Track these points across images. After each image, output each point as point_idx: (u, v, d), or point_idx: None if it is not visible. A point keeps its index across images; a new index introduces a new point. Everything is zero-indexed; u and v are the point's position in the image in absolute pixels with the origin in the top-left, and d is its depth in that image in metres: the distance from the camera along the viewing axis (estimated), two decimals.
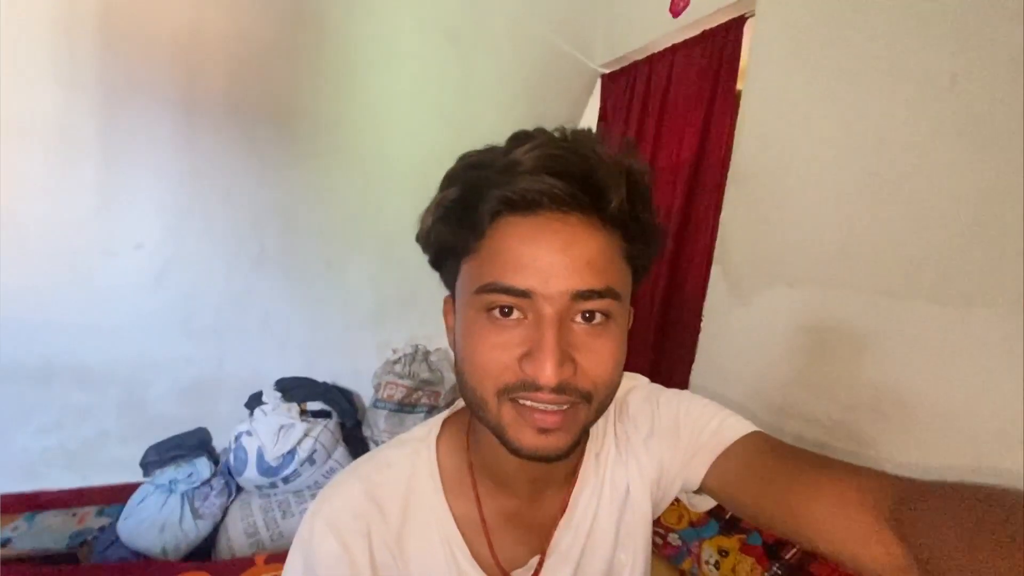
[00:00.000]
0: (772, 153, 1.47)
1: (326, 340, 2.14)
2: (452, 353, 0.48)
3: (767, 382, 1.45)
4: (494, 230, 0.42)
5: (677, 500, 1.50)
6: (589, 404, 0.43)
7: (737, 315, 1.56)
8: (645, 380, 0.61)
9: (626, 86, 2.15)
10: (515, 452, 0.42)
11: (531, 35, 2.20)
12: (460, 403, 0.57)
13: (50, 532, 1.69)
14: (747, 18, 1.57)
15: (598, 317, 0.42)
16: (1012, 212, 0.96)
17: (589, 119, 2.38)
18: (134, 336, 1.85)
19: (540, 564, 0.52)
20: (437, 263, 0.49)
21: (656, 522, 1.47)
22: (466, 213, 0.42)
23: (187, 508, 1.67)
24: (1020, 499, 0.31)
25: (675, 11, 1.85)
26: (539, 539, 0.53)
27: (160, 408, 1.92)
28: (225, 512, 1.76)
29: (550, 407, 0.41)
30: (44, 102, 1.63)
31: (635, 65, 2.10)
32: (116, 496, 1.80)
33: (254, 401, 1.93)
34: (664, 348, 1.87)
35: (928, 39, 1.11)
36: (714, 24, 1.69)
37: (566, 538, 0.53)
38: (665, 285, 1.85)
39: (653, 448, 0.55)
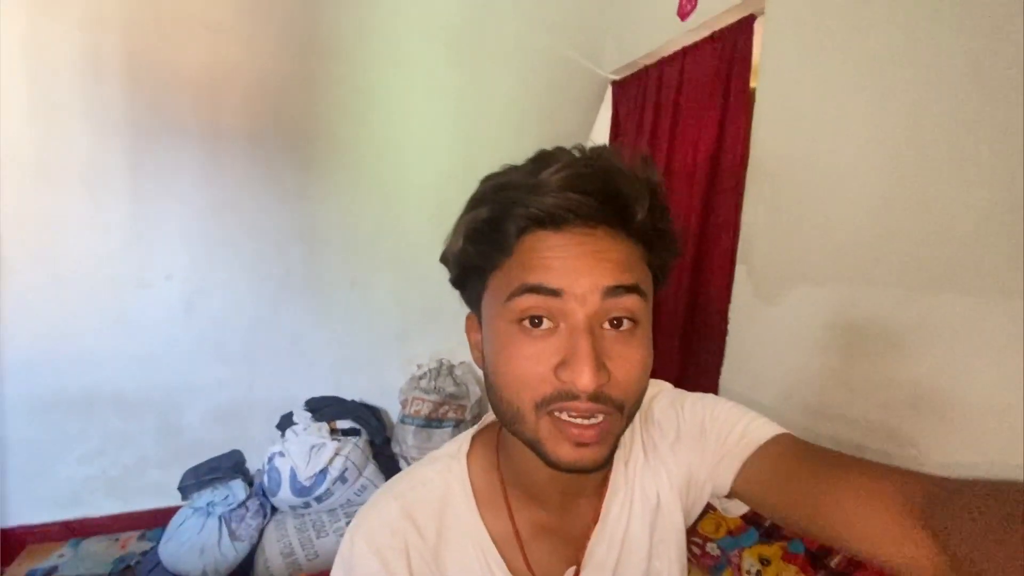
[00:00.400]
0: (791, 150, 1.45)
1: (352, 358, 2.17)
2: (477, 367, 0.49)
3: (799, 384, 1.41)
4: (521, 244, 0.43)
5: (713, 508, 1.47)
6: (621, 414, 0.43)
7: (765, 316, 1.53)
8: (669, 386, 0.61)
9: (638, 92, 2.15)
10: (553, 465, 0.43)
11: (540, 48, 2.22)
12: (488, 418, 0.57)
13: (95, 558, 1.74)
14: (756, 17, 1.56)
15: (626, 323, 0.42)
16: None
17: (601, 127, 2.38)
18: (168, 363, 1.91)
19: (576, 575, 0.52)
20: (460, 281, 0.50)
21: (693, 531, 1.44)
22: (494, 232, 0.43)
23: (225, 530, 1.70)
24: None
25: (683, 14, 1.85)
26: (573, 550, 0.53)
27: (195, 432, 1.97)
28: (261, 533, 1.78)
29: (587, 420, 0.41)
30: (75, 144, 1.72)
31: (645, 70, 2.10)
32: (157, 520, 1.85)
33: (285, 422, 1.97)
34: (692, 353, 1.84)
35: (946, 24, 1.08)
36: (723, 25, 1.68)
37: (600, 548, 0.53)
38: (689, 289, 1.82)
39: (680, 454, 0.55)
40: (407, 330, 2.24)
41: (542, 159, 0.43)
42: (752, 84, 1.60)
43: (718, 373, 1.69)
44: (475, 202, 0.45)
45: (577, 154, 0.43)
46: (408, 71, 2.06)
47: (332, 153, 2.01)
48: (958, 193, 1.06)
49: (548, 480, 0.49)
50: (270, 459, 1.82)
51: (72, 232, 1.75)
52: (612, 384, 0.41)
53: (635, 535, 0.54)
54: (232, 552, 1.68)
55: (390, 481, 0.54)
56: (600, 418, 0.41)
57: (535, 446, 0.43)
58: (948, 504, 0.35)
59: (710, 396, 0.57)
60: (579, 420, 0.41)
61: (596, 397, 0.40)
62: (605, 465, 0.44)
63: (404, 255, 2.14)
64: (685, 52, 1.87)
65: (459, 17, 2.10)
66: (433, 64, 2.09)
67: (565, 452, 0.42)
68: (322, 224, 2.04)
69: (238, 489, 1.80)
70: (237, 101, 1.87)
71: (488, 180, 0.46)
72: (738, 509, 0.54)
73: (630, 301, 0.42)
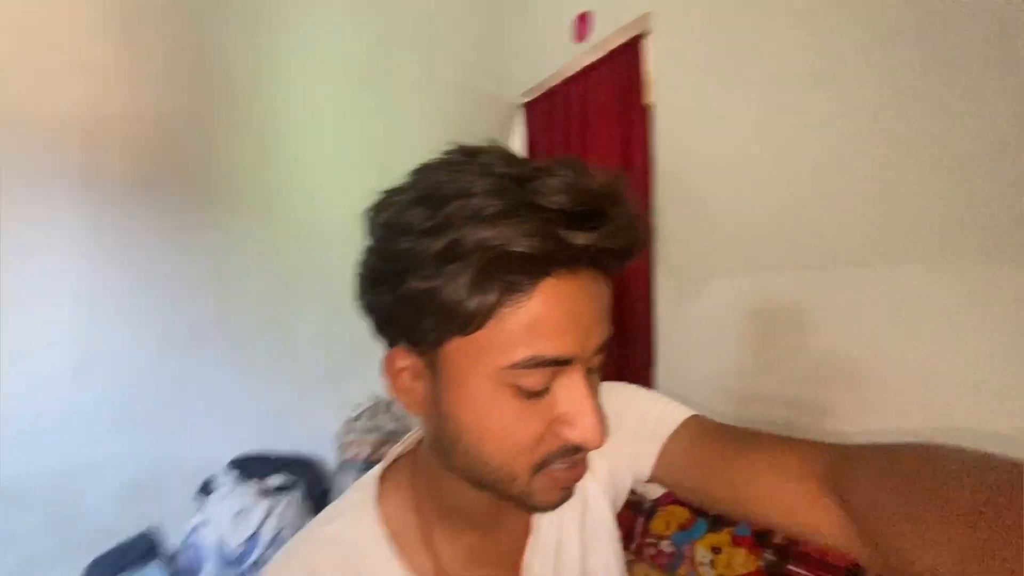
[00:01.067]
0: (691, 154, 1.55)
1: (279, 409, 2.01)
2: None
3: (727, 372, 1.48)
4: (533, 291, 0.36)
5: (661, 505, 1.49)
6: None
7: (688, 313, 1.60)
8: None
9: (548, 111, 2.23)
10: (533, 510, 0.42)
11: (446, 77, 2.26)
12: (391, 455, 0.53)
13: None
14: (645, 36, 1.68)
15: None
16: (920, 164, 1.05)
17: (516, 149, 2.44)
18: (57, 442, 1.66)
19: None
20: (390, 315, 0.41)
21: (646, 531, 1.44)
22: (494, 274, 0.35)
23: None
24: (954, 460, 0.32)
25: (579, 37, 1.95)
26: (509, 570, 0.50)
27: (98, 518, 1.72)
28: None
29: (574, 464, 0.41)
30: None
31: (552, 91, 2.18)
32: None
33: (207, 488, 1.78)
34: (624, 358, 1.89)
35: (819, 25, 1.22)
36: (615, 45, 1.79)
37: (536, 562, 0.51)
38: (613, 296, 1.87)
39: (601, 447, 0.54)
40: (337, 371, 2.12)
41: (554, 188, 0.34)
42: (652, 98, 1.70)
43: (650, 375, 1.73)
44: (458, 236, 0.34)
45: (595, 186, 0.36)
46: (312, 104, 2.01)
47: (236, 192, 1.90)
48: (834, 175, 1.18)
49: (476, 501, 0.46)
50: (191, 533, 1.63)
51: None
52: None
53: (568, 539, 0.53)
54: None
55: (289, 544, 0.48)
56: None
57: (521, 499, 0.41)
58: (854, 471, 0.36)
59: (620, 384, 0.57)
60: (568, 466, 0.40)
61: None
62: None
63: (326, 294, 2.04)
64: (587, 71, 1.96)
65: (361, 49, 2.09)
66: (339, 97, 2.06)
67: (554, 497, 0.41)
68: (231, 268, 1.90)
69: (155, 575, 1.59)
70: (120, 143, 1.72)
71: (467, 206, 0.34)
72: (656, 491, 0.54)
73: (606, 347, 0.41)
